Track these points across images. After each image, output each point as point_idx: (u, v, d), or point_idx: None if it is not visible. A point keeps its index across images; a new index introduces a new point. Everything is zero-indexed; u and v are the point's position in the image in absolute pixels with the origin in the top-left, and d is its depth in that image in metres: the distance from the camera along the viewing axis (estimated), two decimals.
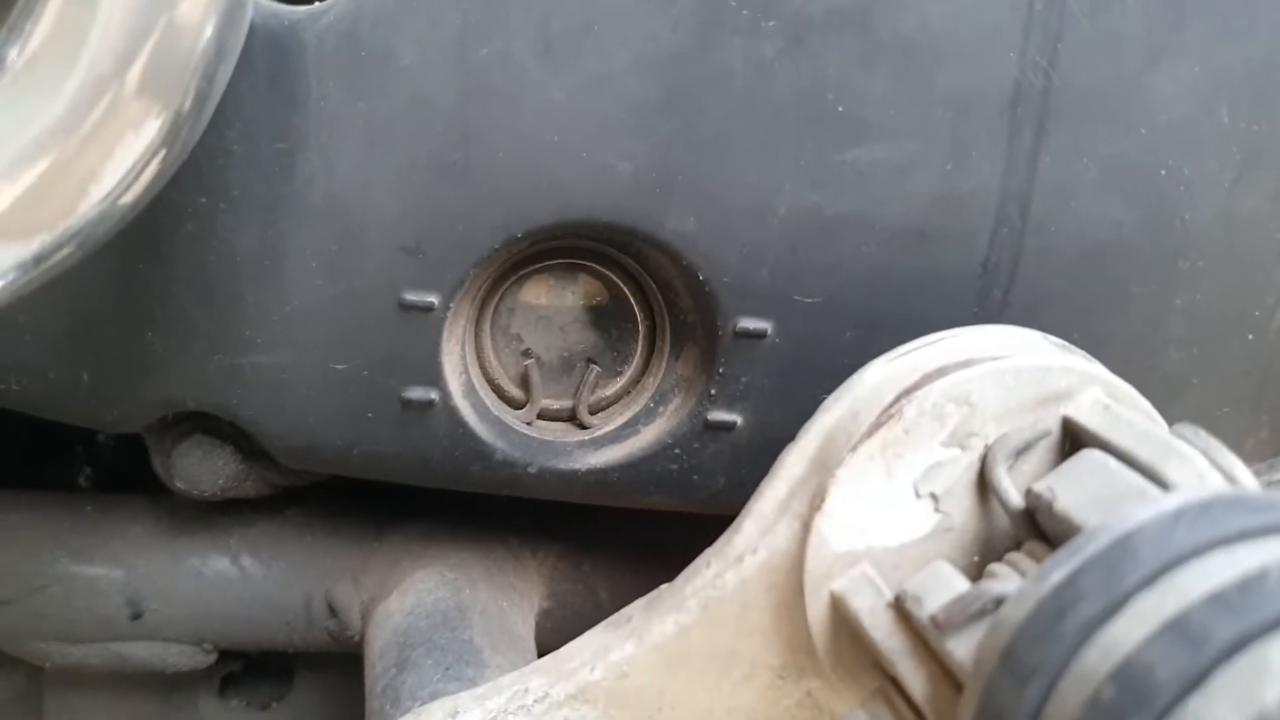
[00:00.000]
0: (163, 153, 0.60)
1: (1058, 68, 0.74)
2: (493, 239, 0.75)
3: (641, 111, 0.73)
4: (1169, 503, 0.50)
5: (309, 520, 1.00)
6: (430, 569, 0.94)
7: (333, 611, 0.98)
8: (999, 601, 0.55)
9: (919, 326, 0.77)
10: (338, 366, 0.78)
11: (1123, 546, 0.49)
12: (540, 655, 1.00)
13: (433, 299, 0.76)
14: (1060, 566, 0.50)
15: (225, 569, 0.98)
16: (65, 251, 0.60)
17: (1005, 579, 0.59)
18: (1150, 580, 0.47)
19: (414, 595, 0.91)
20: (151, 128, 0.60)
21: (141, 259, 0.75)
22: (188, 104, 0.60)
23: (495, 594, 0.93)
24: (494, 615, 0.90)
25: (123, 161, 0.59)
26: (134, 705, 1.10)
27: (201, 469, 0.87)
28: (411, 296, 0.76)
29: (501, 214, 0.74)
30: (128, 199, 0.60)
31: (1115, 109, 0.76)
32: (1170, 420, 0.83)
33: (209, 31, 0.59)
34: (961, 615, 0.56)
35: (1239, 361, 0.85)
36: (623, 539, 1.03)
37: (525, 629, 0.94)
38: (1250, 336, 0.84)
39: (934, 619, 0.57)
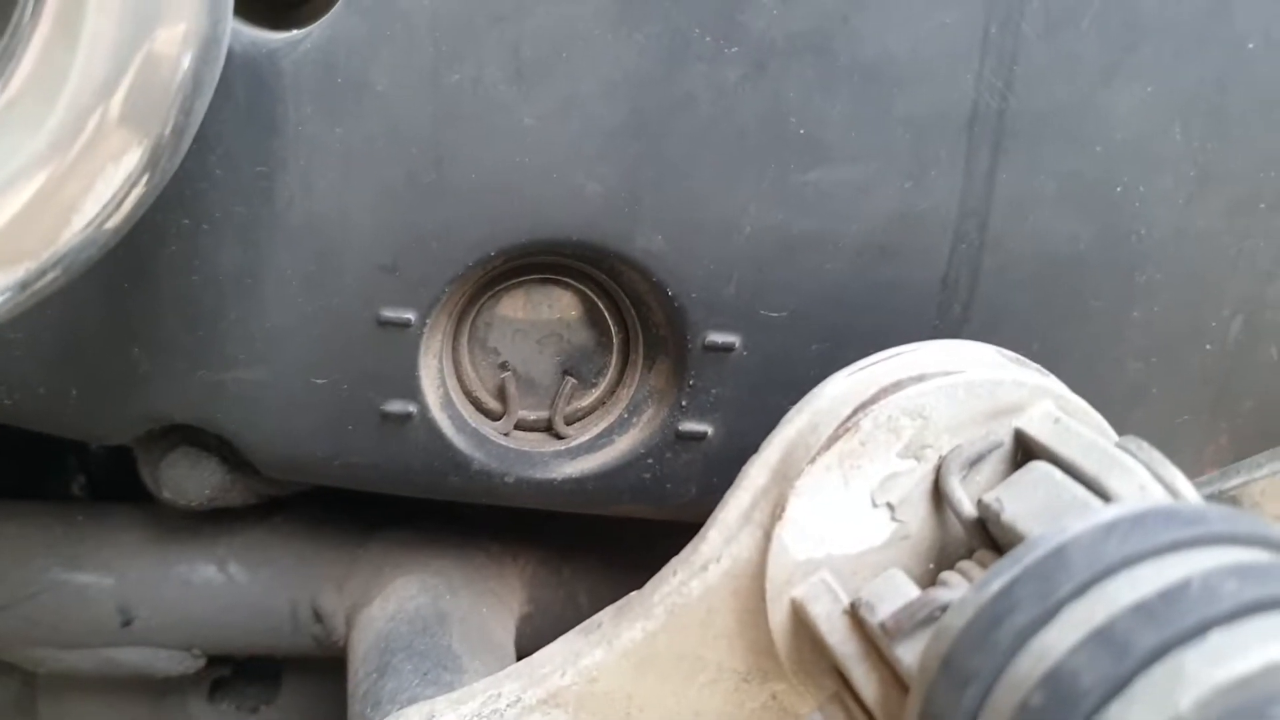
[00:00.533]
0: (144, 180, 0.63)
1: (1013, 89, 0.76)
2: (467, 257, 0.77)
3: (610, 134, 0.75)
4: (1104, 515, 0.52)
5: (294, 528, 1.02)
6: (412, 576, 0.96)
7: (318, 617, 1.00)
8: (945, 609, 0.57)
9: (882, 340, 0.79)
10: (318, 381, 0.81)
11: (1058, 557, 0.51)
12: (520, 659, 1.03)
13: (410, 315, 0.78)
14: (999, 576, 0.52)
15: (213, 576, 1.00)
16: (51, 276, 0.62)
17: (953, 587, 0.62)
18: (1081, 590, 0.49)
19: (395, 602, 0.93)
20: (132, 157, 0.62)
21: (127, 279, 0.77)
22: (167, 133, 0.62)
23: (475, 600, 0.95)
24: (473, 622, 0.92)
25: (105, 190, 0.61)
26: (126, 709, 1.12)
27: (188, 480, 0.89)
28: (389, 313, 0.78)
29: (475, 233, 0.76)
30: (111, 225, 0.62)
31: (1071, 128, 0.77)
32: (1131, 428, 0.86)
33: (186, 63, 0.61)
34: (910, 622, 0.58)
35: (1197, 371, 0.87)
36: (601, 545, 1.05)
37: (505, 634, 0.96)
38: (1208, 346, 0.86)
39: (884, 625, 0.59)
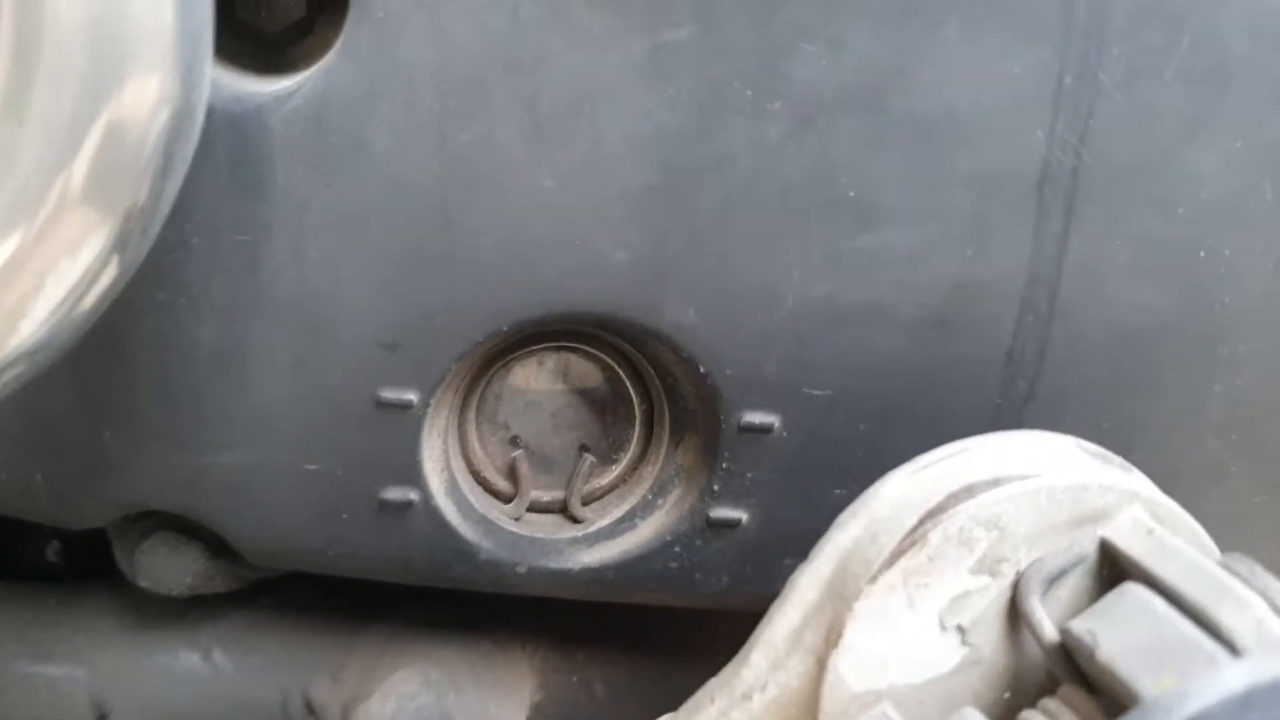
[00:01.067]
0: (114, 260, 0.55)
1: (1088, 145, 0.68)
2: (476, 333, 0.70)
3: (637, 197, 0.67)
4: (1235, 679, 0.45)
5: (284, 612, 0.94)
6: (413, 669, 0.88)
7: (310, 710, 0.92)
8: None
9: (937, 419, 0.73)
10: (310, 467, 0.73)
11: None
12: None
13: (412, 396, 0.71)
14: None
15: (196, 665, 0.92)
16: (17, 370, 0.54)
17: None
18: None
19: (395, 700, 0.85)
20: (99, 236, 0.54)
21: (97, 357, 0.69)
22: (138, 206, 0.54)
23: (482, 696, 0.87)
24: None
25: (70, 272, 0.54)
26: None
27: (167, 567, 0.82)
28: (389, 394, 0.71)
29: (486, 307, 0.69)
30: (80, 311, 0.55)
31: (1150, 187, 0.70)
32: (1207, 509, 0.78)
33: (157, 129, 0.53)
34: None
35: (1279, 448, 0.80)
36: (619, 628, 0.98)
37: None
38: None
39: None
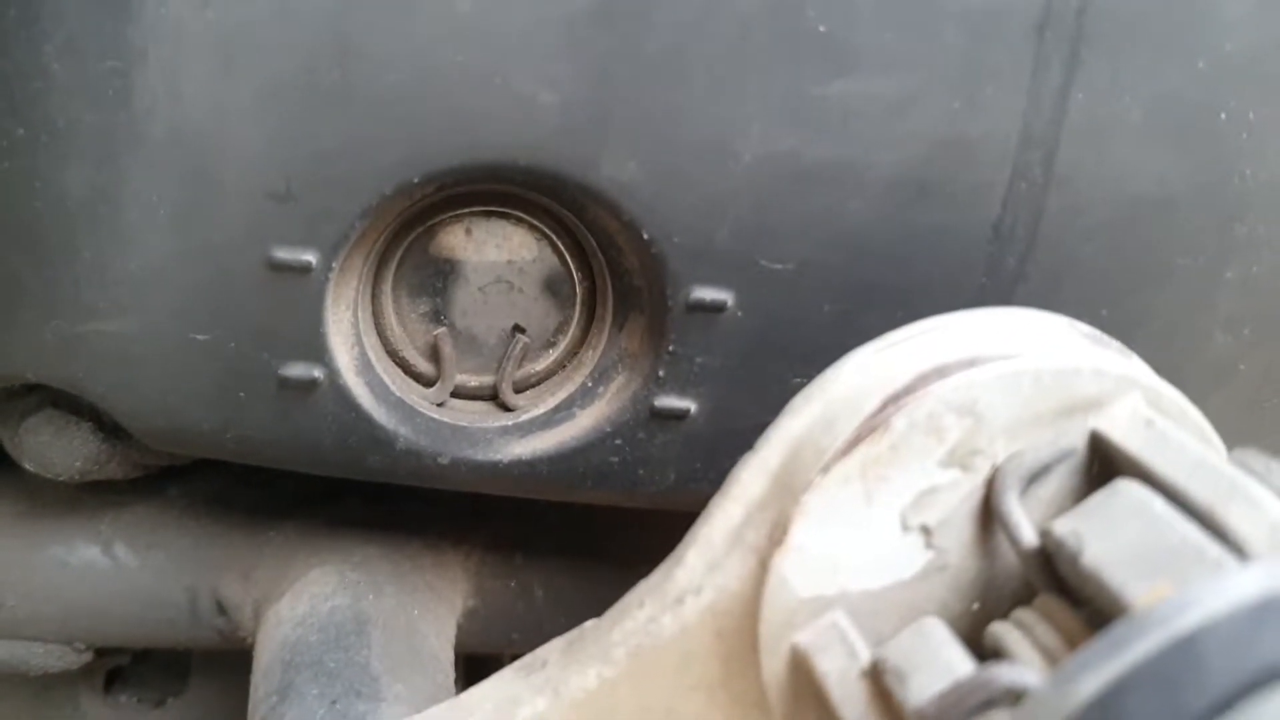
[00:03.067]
0: None
1: None
2: (382, 184, 0.61)
3: (569, 25, 0.59)
4: (1247, 586, 0.37)
5: (193, 502, 0.87)
6: (329, 567, 0.81)
7: (221, 609, 0.85)
8: (1006, 695, 0.42)
9: (915, 301, 0.66)
10: (198, 337, 0.65)
11: (1186, 653, 0.37)
12: (463, 660, 0.88)
13: (310, 257, 0.62)
14: (1093, 673, 0.37)
15: (95, 559, 0.85)
16: None
17: (1014, 654, 0.47)
18: (1222, 709, 0.35)
19: (308, 600, 0.78)
20: None
21: None
22: None
23: (404, 599, 0.80)
24: (399, 629, 0.77)
25: None
26: (3, 704, 0.98)
27: (54, 448, 0.74)
28: (283, 254, 0.62)
29: (392, 153, 0.60)
30: None
31: (1167, 36, 0.62)
32: (1212, 411, 0.71)
33: None
34: (957, 711, 0.43)
35: None
36: (562, 528, 0.91)
37: (440, 641, 0.81)
38: None
39: (920, 714, 0.44)
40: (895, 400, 0.51)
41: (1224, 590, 0.37)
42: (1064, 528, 0.47)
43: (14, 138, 0.59)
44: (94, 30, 0.57)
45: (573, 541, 0.91)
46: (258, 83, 0.58)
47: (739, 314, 0.66)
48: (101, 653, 0.92)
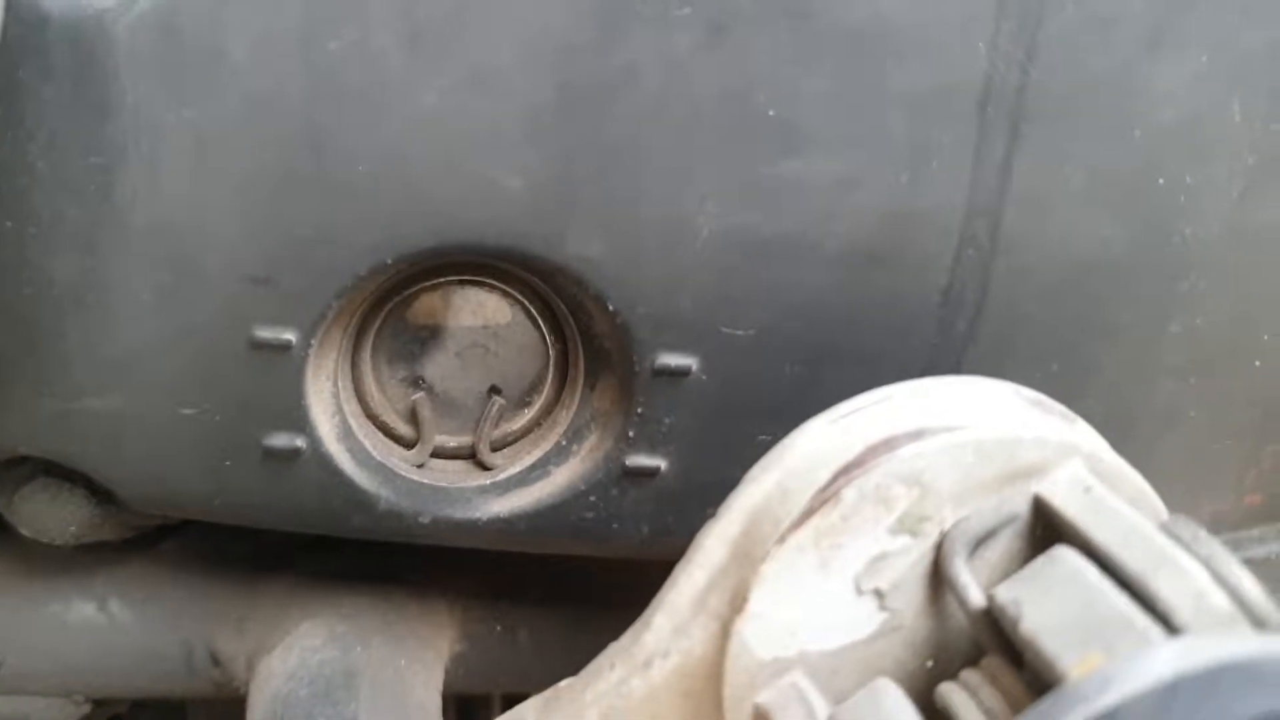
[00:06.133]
0: None
1: (1036, 60, 0.62)
2: (357, 266, 0.63)
3: (532, 116, 0.61)
4: (1164, 664, 0.40)
5: (185, 558, 0.88)
6: (319, 620, 0.83)
7: (215, 661, 0.87)
8: None
9: (869, 362, 0.68)
10: (184, 411, 0.67)
11: None
12: (448, 704, 0.90)
13: (290, 336, 0.65)
14: None
15: (92, 616, 0.87)
16: None
17: (958, 717, 0.49)
18: None
19: (298, 654, 0.80)
20: None
21: None
22: None
23: (392, 650, 0.82)
24: (386, 681, 0.79)
25: None
26: None
27: (49, 515, 0.76)
28: (264, 333, 0.64)
29: (364, 239, 0.63)
30: None
31: (1104, 108, 0.64)
32: (1163, 454, 0.73)
33: None
34: None
35: (1243, 391, 0.75)
36: (546, 575, 0.92)
37: (427, 689, 0.83)
38: (1257, 363, 0.73)
39: None
40: (846, 472, 0.54)
41: (1141, 668, 0.40)
42: (1005, 595, 0.50)
43: (3, 229, 0.61)
44: (76, 128, 0.59)
45: (556, 587, 0.92)
46: (234, 175, 0.60)
47: (703, 377, 0.68)
48: (100, 703, 0.94)
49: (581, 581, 0.92)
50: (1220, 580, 0.46)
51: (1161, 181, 0.66)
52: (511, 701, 0.68)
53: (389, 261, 0.63)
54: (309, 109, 0.59)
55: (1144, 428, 0.73)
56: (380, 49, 0.58)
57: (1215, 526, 0.80)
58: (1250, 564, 0.71)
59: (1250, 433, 0.77)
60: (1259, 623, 0.45)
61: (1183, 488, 0.77)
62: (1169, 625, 0.45)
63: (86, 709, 0.92)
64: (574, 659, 0.62)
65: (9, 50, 0.56)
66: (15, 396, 0.67)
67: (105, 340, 0.65)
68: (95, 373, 0.66)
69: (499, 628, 0.91)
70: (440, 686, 0.85)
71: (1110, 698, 0.39)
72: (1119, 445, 0.56)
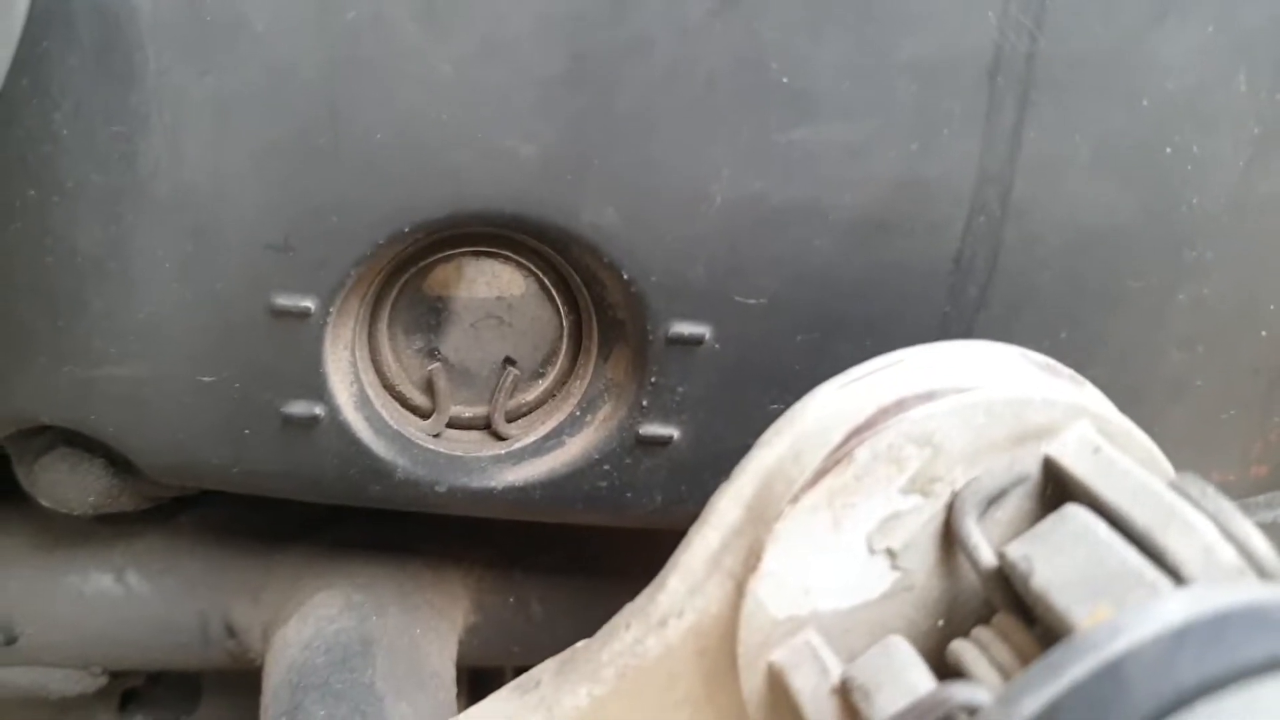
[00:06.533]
0: None
1: (1045, 28, 0.62)
2: (374, 234, 0.64)
3: (545, 84, 0.61)
4: (1172, 613, 0.40)
5: (202, 530, 0.89)
6: (335, 590, 0.84)
7: (231, 632, 0.88)
8: (961, 712, 0.46)
9: (881, 329, 0.68)
10: (205, 379, 0.68)
11: (1113, 676, 0.40)
12: (464, 675, 0.91)
13: (309, 303, 0.65)
14: (1033, 694, 0.41)
15: (109, 587, 0.88)
16: None
17: (971, 672, 0.50)
18: None
19: (314, 623, 0.81)
20: None
21: None
22: None
23: (407, 619, 0.83)
24: (402, 650, 0.80)
25: None
26: None
27: (68, 485, 0.77)
28: (283, 301, 0.65)
29: (382, 206, 0.63)
30: None
31: (1113, 77, 0.65)
32: (1171, 424, 0.74)
33: None
34: None
35: (1249, 361, 0.75)
36: (558, 546, 0.93)
37: (442, 658, 0.84)
38: (1264, 333, 0.74)
39: None
40: (858, 433, 0.54)
41: (1150, 616, 0.40)
42: (1016, 552, 0.50)
43: (26, 198, 0.62)
44: (100, 97, 0.60)
45: (568, 558, 0.93)
46: (255, 144, 0.61)
47: (716, 346, 0.69)
48: (116, 675, 0.95)
49: (594, 555, 0.93)
50: (1228, 535, 0.47)
51: (1169, 151, 0.66)
52: None
53: (405, 230, 0.64)
54: (327, 79, 0.60)
55: (1152, 396, 0.73)
56: (396, 19, 0.59)
57: None
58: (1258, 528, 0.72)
59: (1257, 403, 0.77)
60: (1266, 575, 0.45)
61: (1190, 457, 0.78)
62: (1178, 578, 0.45)
63: (104, 680, 0.93)
64: (586, 632, 0.62)
65: (35, 21, 0.57)
66: (37, 365, 0.68)
67: (127, 308, 0.65)
68: (116, 340, 0.67)
69: (512, 599, 0.92)
70: (454, 656, 0.86)
71: (1119, 645, 0.40)
72: (1127, 414, 0.56)
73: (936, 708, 0.46)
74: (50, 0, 0.57)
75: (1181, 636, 0.39)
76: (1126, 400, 0.58)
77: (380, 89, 0.60)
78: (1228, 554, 0.46)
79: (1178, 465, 0.56)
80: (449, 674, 0.84)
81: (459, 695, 0.87)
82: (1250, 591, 0.42)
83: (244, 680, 0.99)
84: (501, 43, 0.60)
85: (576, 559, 0.93)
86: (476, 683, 1.06)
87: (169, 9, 0.58)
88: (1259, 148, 0.67)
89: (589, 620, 0.62)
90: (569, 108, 0.62)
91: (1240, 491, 0.81)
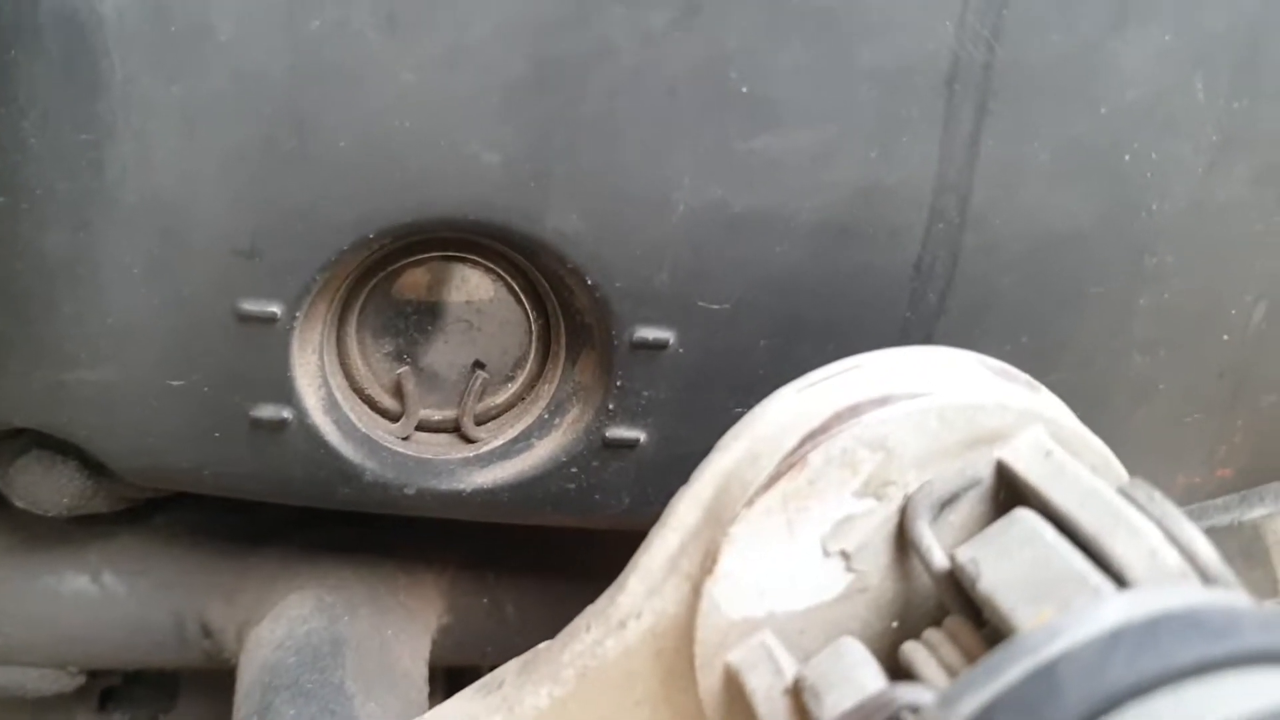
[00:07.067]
0: None
1: (1003, 37, 0.63)
2: (339, 240, 0.64)
3: (509, 91, 0.62)
4: (1105, 617, 0.41)
5: (176, 531, 0.90)
6: (307, 591, 0.85)
7: (206, 632, 0.89)
8: (907, 710, 0.46)
9: (843, 334, 0.69)
10: (173, 383, 0.68)
11: (1046, 680, 0.40)
12: (437, 675, 0.92)
13: (275, 308, 0.66)
14: (970, 695, 0.42)
15: (84, 588, 0.88)
16: None
17: (920, 673, 0.51)
18: None
19: (286, 624, 0.82)
20: None
21: None
22: None
23: (379, 620, 0.84)
24: (372, 650, 0.81)
25: None
26: None
27: (42, 487, 0.77)
28: (250, 306, 0.66)
29: (347, 212, 0.64)
30: None
31: (1071, 84, 0.65)
32: (1135, 428, 0.75)
33: None
34: None
35: (1212, 363, 0.76)
36: (532, 545, 0.94)
37: (413, 659, 0.84)
38: (1225, 336, 0.74)
39: None
40: (813, 438, 0.55)
41: (1087, 619, 0.41)
42: (965, 555, 0.51)
43: None
44: (67, 105, 0.60)
45: (540, 559, 0.94)
46: (220, 151, 0.62)
47: (680, 351, 0.70)
48: (94, 674, 0.96)
49: (566, 556, 0.94)
50: (1173, 539, 0.48)
51: (1128, 158, 0.67)
52: None
53: (371, 236, 0.65)
54: (292, 86, 0.60)
55: (1116, 400, 0.74)
56: (360, 28, 0.60)
57: (1188, 499, 0.81)
58: (1214, 531, 0.73)
59: (1221, 406, 0.78)
60: (1208, 578, 0.46)
61: (1156, 461, 0.79)
62: (1122, 581, 0.46)
63: (81, 679, 0.93)
64: (559, 632, 0.63)
65: (2, 30, 0.58)
66: (9, 368, 0.69)
67: (96, 313, 0.66)
68: (86, 345, 0.67)
69: (485, 600, 0.93)
70: (426, 657, 0.87)
71: (1055, 647, 0.41)
72: (1091, 418, 0.57)
73: (883, 709, 0.47)
74: (17, 9, 0.58)
75: (1115, 639, 0.40)
76: (1090, 404, 0.59)
77: (344, 96, 0.61)
78: (1171, 557, 0.47)
79: (1144, 468, 0.57)
80: (420, 674, 0.84)
81: (435, 695, 0.88)
82: (1185, 595, 0.43)
83: (222, 679, 1.00)
84: (464, 50, 0.60)
85: (549, 560, 0.94)
86: (453, 682, 1.07)
87: (135, 18, 0.59)
88: (1218, 154, 0.68)
89: (562, 620, 0.63)
90: (532, 115, 0.62)
91: (1206, 494, 0.82)
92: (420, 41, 0.60)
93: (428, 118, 0.62)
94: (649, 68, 0.62)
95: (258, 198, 0.63)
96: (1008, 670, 0.41)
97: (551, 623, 0.79)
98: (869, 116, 0.64)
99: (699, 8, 0.60)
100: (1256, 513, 0.71)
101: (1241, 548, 0.72)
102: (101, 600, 0.89)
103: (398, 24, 0.59)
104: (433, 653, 0.90)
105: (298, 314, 0.67)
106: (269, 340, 0.67)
